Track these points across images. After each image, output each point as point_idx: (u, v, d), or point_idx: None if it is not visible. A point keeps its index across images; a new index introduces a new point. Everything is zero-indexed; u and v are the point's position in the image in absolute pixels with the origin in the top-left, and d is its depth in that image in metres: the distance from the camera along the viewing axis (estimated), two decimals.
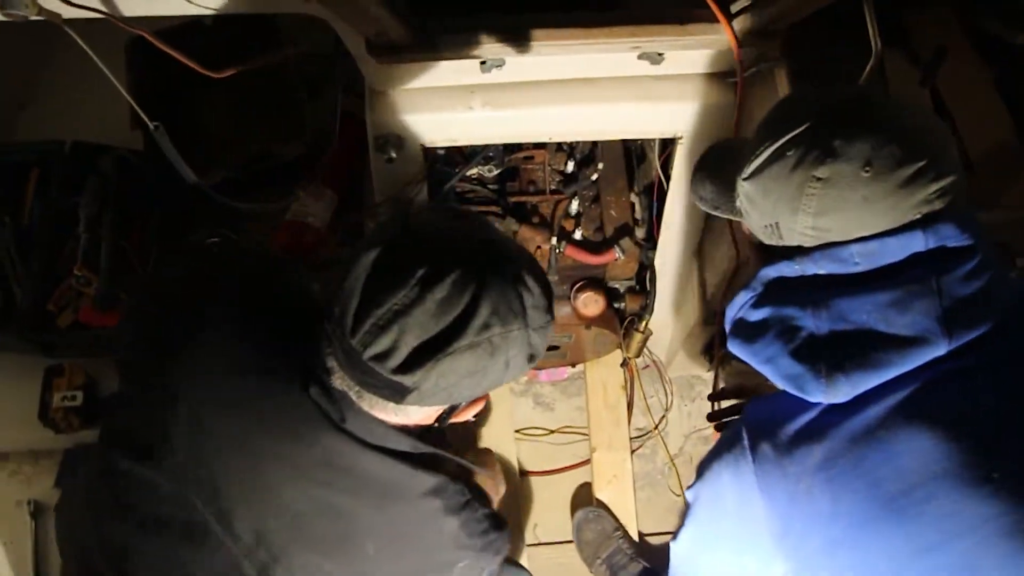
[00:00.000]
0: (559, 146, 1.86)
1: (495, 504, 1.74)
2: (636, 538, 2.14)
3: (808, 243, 0.90)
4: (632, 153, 1.95)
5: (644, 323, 1.99)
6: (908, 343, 0.85)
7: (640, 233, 1.89)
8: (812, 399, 0.90)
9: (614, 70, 1.44)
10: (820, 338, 0.89)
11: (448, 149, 1.72)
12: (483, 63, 1.38)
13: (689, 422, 2.31)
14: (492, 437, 2.21)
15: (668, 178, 1.70)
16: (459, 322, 0.92)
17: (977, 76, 2.04)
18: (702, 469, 1.07)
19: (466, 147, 1.75)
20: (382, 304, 0.92)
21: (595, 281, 1.90)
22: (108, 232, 1.73)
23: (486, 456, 1.81)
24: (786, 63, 1.38)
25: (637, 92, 1.47)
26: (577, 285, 1.89)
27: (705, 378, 2.35)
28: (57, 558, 1.13)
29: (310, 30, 1.78)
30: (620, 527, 2.12)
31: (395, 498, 1.04)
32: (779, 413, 0.96)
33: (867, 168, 0.83)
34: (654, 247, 1.86)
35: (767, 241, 0.95)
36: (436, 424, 1.08)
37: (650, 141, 1.83)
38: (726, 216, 1.07)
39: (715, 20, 1.28)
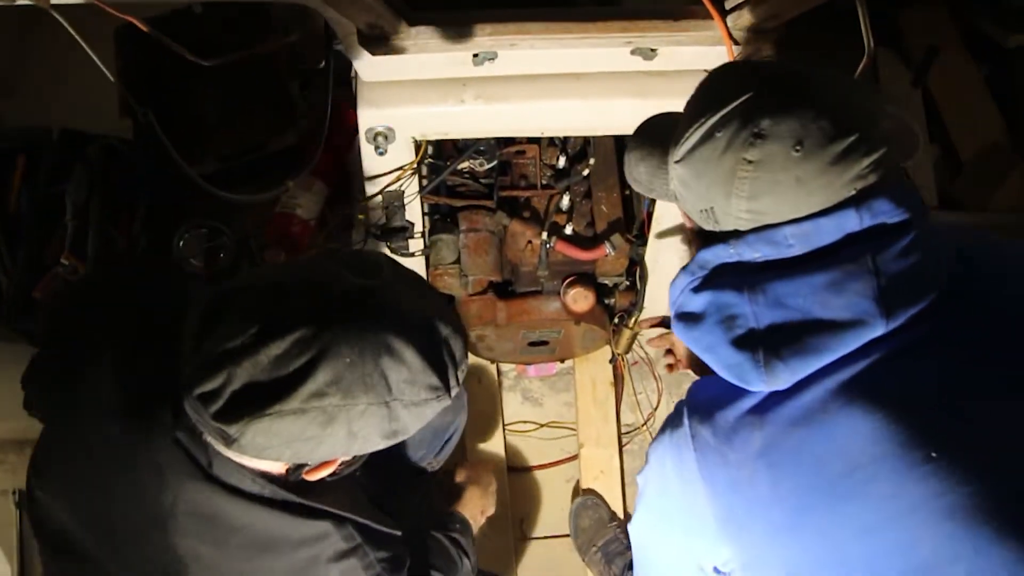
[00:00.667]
0: (551, 141, 1.86)
1: (479, 523, 1.73)
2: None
3: (744, 226, 0.88)
4: (624, 150, 1.95)
5: (633, 319, 1.99)
6: (845, 326, 0.83)
7: (631, 229, 1.89)
8: (753, 388, 0.88)
9: (607, 65, 1.44)
10: (758, 325, 0.87)
11: (440, 142, 1.71)
12: (475, 56, 1.37)
13: None
14: (480, 432, 2.21)
15: None
16: (287, 384, 0.87)
17: (969, 77, 2.05)
18: (649, 456, 1.06)
19: (458, 140, 1.74)
20: (217, 342, 0.88)
21: (585, 277, 1.90)
22: (96, 220, 1.72)
23: (480, 472, 1.78)
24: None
25: (630, 88, 1.46)
26: (567, 280, 1.89)
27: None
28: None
29: (302, 19, 1.77)
30: (616, 517, 2.12)
31: (264, 548, 1.01)
32: (720, 397, 0.94)
33: (797, 148, 0.81)
34: (644, 243, 1.86)
35: (705, 226, 0.93)
36: (289, 477, 1.01)
37: None
38: (662, 199, 1.04)
39: (709, 17, 1.28)
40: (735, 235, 0.89)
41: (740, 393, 0.91)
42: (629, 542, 2.03)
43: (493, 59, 1.38)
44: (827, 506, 0.84)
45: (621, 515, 2.16)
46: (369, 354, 0.90)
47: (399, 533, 1.14)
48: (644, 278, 1.93)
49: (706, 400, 0.96)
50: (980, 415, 0.82)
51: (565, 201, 1.85)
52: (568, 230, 1.85)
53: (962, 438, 0.81)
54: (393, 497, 1.57)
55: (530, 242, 1.85)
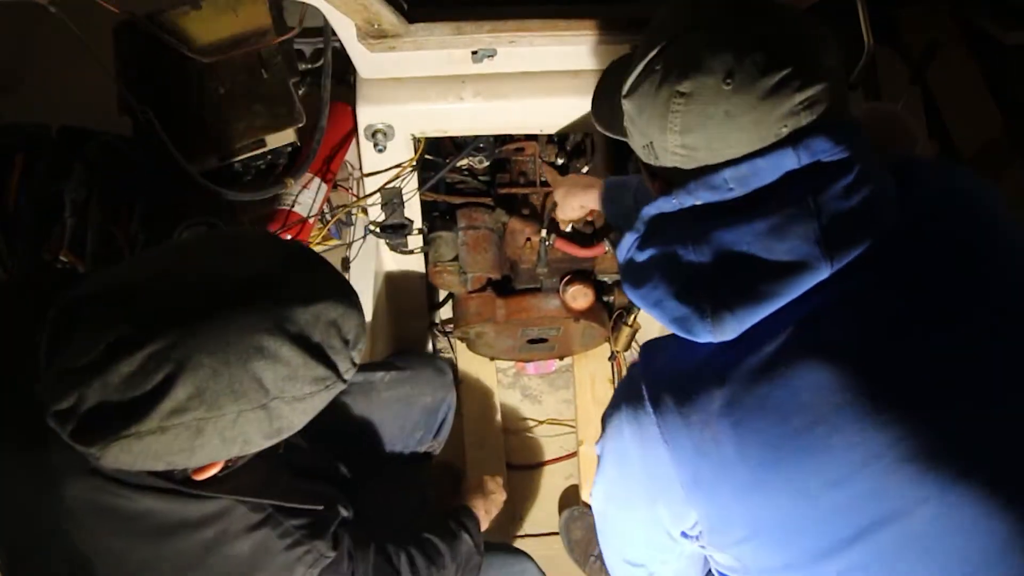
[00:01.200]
0: (550, 138, 1.86)
1: (489, 520, 1.71)
2: None
3: (680, 163, 0.87)
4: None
5: (633, 317, 1.99)
6: (790, 271, 0.82)
7: None
8: (701, 340, 0.87)
9: (607, 62, 1.43)
10: (703, 275, 0.85)
11: (439, 139, 1.71)
12: (475, 53, 1.37)
13: None
14: (479, 430, 2.21)
15: None
16: (143, 403, 0.80)
17: (968, 73, 2.05)
18: (605, 421, 1.04)
19: (457, 137, 1.74)
20: (67, 358, 0.81)
21: (584, 274, 1.90)
22: (95, 218, 1.72)
23: (483, 482, 1.79)
24: None
25: None
26: (566, 278, 1.89)
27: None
28: None
29: (301, 16, 1.77)
30: None
31: (169, 532, 0.95)
32: (674, 359, 0.93)
33: (728, 80, 0.80)
34: None
35: (647, 161, 0.92)
36: (175, 475, 0.93)
37: None
38: (619, 138, 1.02)
39: None
40: (676, 184, 0.88)
41: (694, 351, 0.89)
42: None
43: (492, 56, 1.38)
44: (794, 461, 0.83)
45: None
46: (235, 359, 0.83)
47: (320, 507, 1.08)
48: None
49: (662, 362, 0.95)
50: (932, 357, 0.83)
51: None
52: (567, 227, 1.85)
53: (917, 382, 0.82)
54: (380, 479, 1.56)
55: (529, 239, 1.85)
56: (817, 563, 0.84)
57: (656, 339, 1.01)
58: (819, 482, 0.82)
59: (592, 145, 1.86)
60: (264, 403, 0.86)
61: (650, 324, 2.09)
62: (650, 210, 0.91)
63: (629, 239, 0.94)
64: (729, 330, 0.85)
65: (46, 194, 1.74)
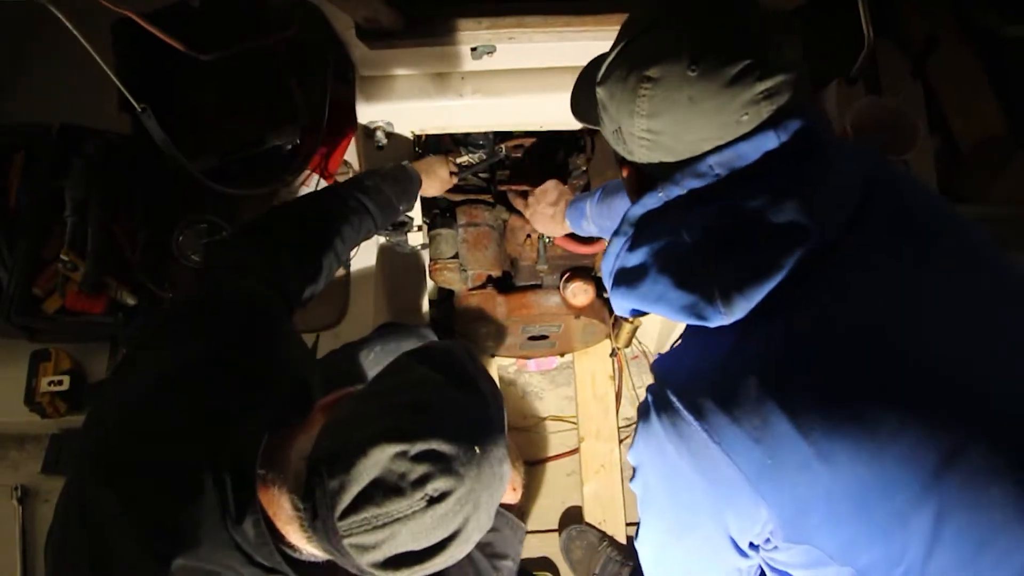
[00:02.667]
0: (549, 134, 1.86)
1: (515, 498, 1.63)
2: (624, 527, 2.14)
3: (644, 147, 0.90)
4: None
5: None
6: (785, 243, 0.86)
7: None
8: (713, 324, 0.89)
9: None
10: (701, 261, 0.88)
11: (438, 136, 1.71)
12: (474, 50, 1.37)
13: None
14: None
15: None
16: (447, 541, 0.89)
17: (968, 67, 2.05)
18: (639, 457, 1.02)
19: (456, 134, 1.74)
20: (383, 506, 0.86)
21: (584, 271, 1.90)
22: (95, 216, 1.72)
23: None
24: None
25: None
26: (566, 275, 1.89)
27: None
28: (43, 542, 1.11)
29: (301, 14, 1.77)
30: (605, 536, 2.11)
31: None
32: (696, 364, 0.94)
33: (693, 67, 0.84)
34: None
35: (616, 148, 0.96)
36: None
37: None
38: (594, 127, 1.05)
39: None
40: (662, 179, 0.91)
41: (714, 349, 0.92)
42: (623, 558, 2.03)
43: (492, 53, 1.38)
44: (847, 423, 0.84)
45: (621, 507, 2.16)
46: (496, 487, 0.92)
47: None
48: None
49: (684, 371, 0.96)
50: (930, 310, 0.88)
51: None
52: None
53: (929, 330, 0.86)
54: None
55: (529, 236, 1.85)
56: (905, 525, 0.84)
57: (665, 353, 1.03)
58: (881, 435, 0.83)
59: (591, 142, 1.86)
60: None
61: (651, 321, 2.09)
62: (636, 211, 0.94)
63: (616, 245, 0.96)
64: (739, 309, 0.87)
65: (46, 193, 1.75)
